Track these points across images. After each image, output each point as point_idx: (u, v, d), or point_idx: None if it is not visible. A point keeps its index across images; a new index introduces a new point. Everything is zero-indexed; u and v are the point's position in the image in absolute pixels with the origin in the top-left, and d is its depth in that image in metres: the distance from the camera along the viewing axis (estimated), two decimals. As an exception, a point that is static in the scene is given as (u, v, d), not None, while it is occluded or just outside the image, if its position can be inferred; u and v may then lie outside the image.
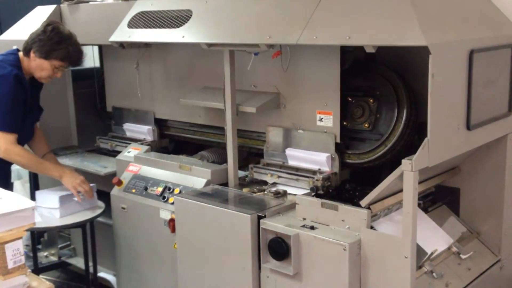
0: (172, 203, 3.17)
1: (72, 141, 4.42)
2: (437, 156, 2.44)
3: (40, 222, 3.30)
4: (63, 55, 3.40)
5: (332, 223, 2.60)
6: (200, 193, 3.08)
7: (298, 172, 3.10)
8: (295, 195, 2.85)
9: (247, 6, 3.00)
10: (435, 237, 2.87)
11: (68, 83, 4.36)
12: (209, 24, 3.10)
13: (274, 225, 2.64)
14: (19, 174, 5.11)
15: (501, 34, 2.87)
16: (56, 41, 3.38)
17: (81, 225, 3.47)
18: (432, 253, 2.73)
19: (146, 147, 3.77)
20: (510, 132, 3.00)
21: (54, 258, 4.36)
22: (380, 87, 3.00)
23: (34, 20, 4.06)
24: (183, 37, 3.14)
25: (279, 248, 2.59)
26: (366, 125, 3.02)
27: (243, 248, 2.73)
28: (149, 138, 4.00)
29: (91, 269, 3.68)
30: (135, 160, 3.64)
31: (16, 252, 1.99)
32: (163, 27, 3.29)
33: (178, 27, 3.20)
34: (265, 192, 3.04)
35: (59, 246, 4.37)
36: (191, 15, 3.20)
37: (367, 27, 2.46)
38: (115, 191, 3.59)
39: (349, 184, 3.11)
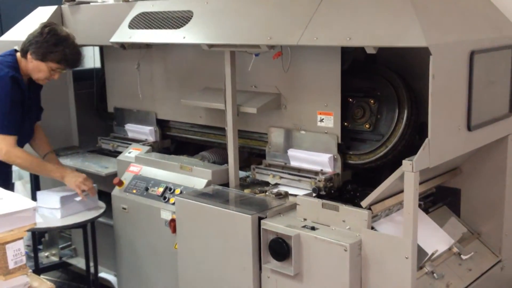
0: (173, 204, 3.17)
1: (73, 142, 4.42)
2: (437, 156, 2.44)
3: (41, 222, 3.31)
4: (59, 57, 3.39)
5: (333, 224, 2.60)
6: (201, 194, 3.08)
7: (300, 173, 3.10)
8: (297, 196, 2.84)
9: (248, 7, 3.00)
10: (435, 238, 2.87)
11: (69, 84, 4.36)
12: (210, 25, 3.10)
13: (274, 225, 2.64)
14: (20, 175, 5.12)
15: (502, 35, 2.87)
16: (52, 43, 3.37)
17: (82, 225, 3.47)
18: (432, 254, 2.73)
19: (147, 148, 3.77)
20: (510, 133, 3.00)
21: (55, 259, 4.36)
22: (381, 87, 3.00)
23: (35, 21, 4.05)
24: (184, 38, 3.14)
25: (280, 249, 2.59)
26: (367, 125, 3.02)
27: (244, 248, 2.74)
28: (151, 138, 4.00)
29: (92, 270, 3.68)
30: (136, 161, 3.64)
31: (17, 252, 1.99)
32: (164, 28, 3.29)
33: (179, 28, 3.21)
34: (267, 193, 3.04)
35: (60, 246, 4.37)
36: (192, 16, 3.20)
37: (367, 28, 2.46)
38: (116, 192, 3.59)
39: (351, 185, 3.10)
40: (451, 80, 2.48)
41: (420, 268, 2.67)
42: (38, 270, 3.76)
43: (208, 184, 3.21)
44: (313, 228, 2.59)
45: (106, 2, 4.03)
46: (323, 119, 3.03)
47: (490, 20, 2.92)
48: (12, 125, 3.34)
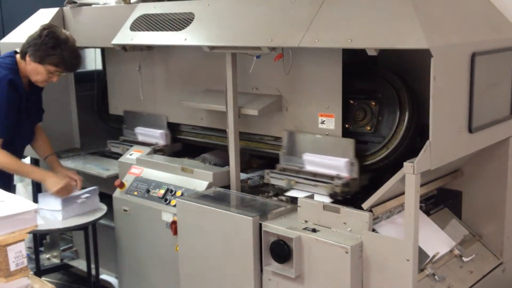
0: (174, 206, 3.17)
1: (75, 144, 4.42)
2: (439, 158, 2.44)
3: (42, 224, 3.31)
4: (57, 60, 3.37)
5: (334, 226, 2.60)
6: (202, 196, 3.08)
7: (316, 178, 3.01)
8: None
9: (249, 9, 3.00)
10: (437, 240, 2.87)
11: (70, 86, 4.37)
12: (211, 27, 3.10)
13: (276, 227, 2.64)
14: (21, 177, 5.11)
15: (503, 37, 2.87)
16: (50, 46, 3.35)
17: (83, 227, 3.47)
18: (434, 256, 2.73)
19: (149, 149, 3.77)
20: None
21: (56, 261, 4.36)
22: (382, 89, 3.00)
23: (37, 23, 4.06)
24: (185, 40, 3.15)
25: (281, 251, 2.59)
26: (368, 127, 3.02)
27: (245, 250, 2.74)
28: (162, 142, 3.93)
29: (93, 272, 3.69)
30: (137, 163, 3.64)
31: (18, 254, 1.99)
32: (165, 30, 3.30)
33: (180, 30, 3.21)
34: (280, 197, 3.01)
35: (61, 248, 4.37)
36: (193, 18, 3.21)
37: (369, 30, 2.46)
38: (117, 194, 3.60)
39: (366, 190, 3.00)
40: (452, 82, 2.48)
41: (421, 270, 2.66)
42: (40, 272, 3.76)
43: (209, 186, 3.21)
44: (314, 230, 2.59)
45: (107, 4, 4.03)
46: (324, 121, 3.03)
47: (491, 22, 2.92)
48: (2, 128, 3.33)
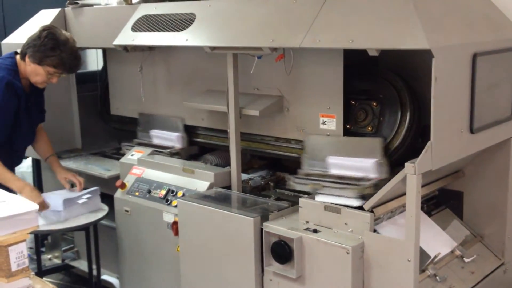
0: (175, 206, 3.18)
1: (76, 144, 4.43)
2: (440, 159, 2.44)
3: (44, 224, 3.31)
4: (56, 62, 3.37)
5: (335, 226, 2.60)
6: (203, 196, 3.08)
7: (343, 181, 2.82)
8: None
9: (251, 10, 3.00)
10: (438, 241, 2.87)
11: (72, 86, 4.37)
12: (212, 27, 3.11)
13: (277, 228, 2.64)
14: (23, 177, 5.11)
15: (505, 37, 2.87)
16: (49, 47, 3.35)
17: (84, 228, 3.47)
18: (435, 257, 2.73)
19: (150, 150, 3.77)
20: (513, 136, 3.00)
21: (57, 261, 4.37)
22: (384, 90, 2.99)
23: (38, 24, 4.06)
24: (187, 40, 3.15)
25: (282, 251, 2.59)
26: (369, 128, 3.02)
27: (246, 251, 2.74)
28: (178, 145, 3.79)
29: (94, 272, 3.69)
30: (139, 163, 3.65)
31: (19, 254, 2.00)
32: (167, 31, 3.30)
33: (182, 30, 3.21)
34: None
35: (63, 248, 4.37)
36: (194, 19, 3.21)
37: (370, 30, 2.46)
38: (118, 194, 3.60)
39: None
40: (453, 82, 2.48)
41: (422, 271, 2.66)
42: (41, 272, 3.76)
43: (210, 186, 3.21)
44: (315, 231, 2.59)
45: (109, 5, 4.04)
46: (325, 121, 3.03)
47: (493, 22, 2.92)
48: None
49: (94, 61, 4.63)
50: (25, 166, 5.12)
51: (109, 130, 4.55)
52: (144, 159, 3.64)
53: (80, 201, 3.47)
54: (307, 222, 2.69)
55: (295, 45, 2.67)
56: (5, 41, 4.36)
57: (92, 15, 3.99)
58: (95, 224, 3.51)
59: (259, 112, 3.15)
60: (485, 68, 2.62)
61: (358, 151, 2.86)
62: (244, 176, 3.37)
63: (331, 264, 2.48)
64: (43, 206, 3.33)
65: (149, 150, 3.78)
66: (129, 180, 3.60)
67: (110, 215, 3.60)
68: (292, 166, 3.56)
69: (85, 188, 3.59)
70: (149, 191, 3.43)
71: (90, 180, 3.87)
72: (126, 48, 3.58)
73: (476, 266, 2.95)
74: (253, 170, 3.59)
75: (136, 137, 4.09)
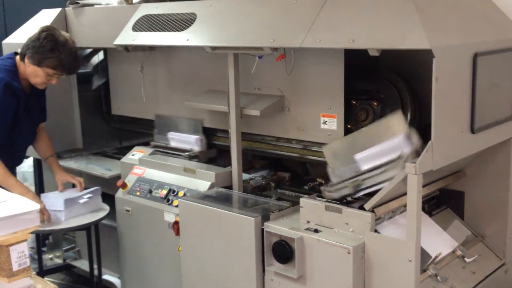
0: (177, 206, 3.18)
1: (77, 144, 4.43)
2: (441, 159, 2.43)
3: (45, 224, 3.32)
4: (54, 63, 3.36)
5: (336, 226, 2.60)
6: (204, 196, 3.09)
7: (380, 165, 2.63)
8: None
9: (251, 10, 3.00)
10: (439, 241, 2.87)
11: (73, 86, 4.37)
12: (213, 27, 3.11)
13: (278, 228, 2.64)
14: (24, 177, 5.13)
15: (506, 37, 2.87)
16: (48, 48, 3.34)
17: (85, 227, 3.47)
18: (436, 257, 2.72)
19: (151, 150, 3.77)
20: (514, 135, 3.00)
21: (59, 261, 4.37)
22: (384, 90, 3.00)
23: (39, 23, 4.07)
24: (188, 40, 3.15)
25: (283, 251, 2.59)
26: (370, 128, 3.01)
27: (247, 251, 2.74)
28: (197, 148, 3.67)
29: (95, 272, 3.69)
30: (140, 163, 3.65)
31: (21, 254, 2.00)
32: (168, 30, 3.30)
33: (183, 30, 3.21)
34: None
35: (64, 248, 4.37)
36: (195, 19, 3.21)
37: (370, 30, 2.46)
38: (119, 194, 3.60)
39: None
40: (454, 82, 2.48)
41: (423, 271, 2.66)
42: (42, 272, 3.77)
43: (211, 186, 3.21)
44: (316, 231, 2.59)
45: (110, 5, 4.04)
46: (326, 121, 3.03)
47: (493, 22, 2.91)
48: None
49: (95, 61, 4.62)
50: (26, 166, 5.13)
51: (110, 130, 4.55)
52: (145, 159, 3.64)
53: (81, 201, 3.48)
54: (308, 222, 2.69)
55: (296, 45, 2.67)
56: (6, 40, 4.36)
57: (93, 15, 4.00)
58: (96, 224, 3.51)
59: (260, 112, 3.15)
60: (485, 68, 2.62)
61: (381, 136, 2.68)
62: (245, 176, 3.38)
63: (332, 264, 2.48)
64: (43, 213, 3.30)
65: (150, 150, 3.78)
66: (130, 180, 3.60)
67: (111, 215, 3.61)
68: (293, 166, 3.58)
69: (86, 188, 3.60)
70: (150, 191, 3.43)
71: (91, 180, 3.87)
72: (127, 48, 3.58)
73: (477, 266, 2.95)
74: (254, 170, 3.59)
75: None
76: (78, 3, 4.09)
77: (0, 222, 1.94)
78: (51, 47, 3.35)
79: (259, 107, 3.17)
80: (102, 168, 3.97)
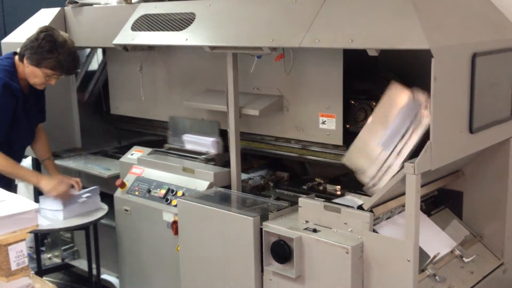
0: (175, 206, 3.18)
1: (76, 144, 4.43)
2: (439, 159, 2.44)
3: (44, 224, 3.32)
4: (53, 64, 3.36)
5: (335, 226, 2.60)
6: (203, 196, 3.09)
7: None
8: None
9: (250, 9, 3.00)
10: (437, 240, 2.87)
11: (72, 85, 4.37)
12: (212, 27, 3.11)
13: (276, 227, 2.64)
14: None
15: (504, 37, 2.87)
16: (47, 49, 3.33)
17: (84, 227, 3.47)
18: (434, 256, 2.73)
19: (150, 150, 3.77)
20: (513, 135, 3.00)
21: (57, 260, 4.37)
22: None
23: (38, 23, 4.07)
24: (186, 40, 3.15)
25: (282, 251, 2.59)
26: (369, 128, 3.01)
27: (246, 250, 2.74)
28: (213, 151, 3.56)
29: (94, 271, 3.69)
30: (138, 163, 3.65)
31: (19, 254, 2.00)
32: (167, 30, 3.30)
33: (182, 30, 3.21)
34: None
35: (63, 248, 4.37)
36: (194, 18, 3.21)
37: (369, 30, 2.46)
38: (118, 193, 3.60)
39: None
40: (453, 82, 2.48)
41: (422, 270, 2.66)
42: (41, 271, 3.76)
43: (210, 186, 3.21)
44: (315, 230, 2.59)
45: (109, 4, 4.04)
46: (325, 121, 3.03)
47: (492, 22, 2.92)
48: None
49: (94, 61, 4.62)
50: (25, 166, 5.11)
51: (109, 129, 4.55)
52: (144, 159, 3.64)
53: (80, 200, 3.47)
54: (306, 221, 2.69)
55: (295, 45, 2.67)
56: (4, 40, 4.36)
57: (92, 14, 3.99)
58: (95, 223, 3.51)
59: (258, 112, 3.15)
60: (484, 68, 2.62)
61: (390, 112, 2.65)
62: (244, 176, 3.37)
63: (331, 263, 2.49)
64: (63, 186, 3.40)
65: (149, 149, 3.77)
66: (129, 180, 3.60)
67: (110, 214, 3.61)
68: (292, 165, 3.58)
69: (84, 188, 3.59)
70: (149, 191, 3.43)
71: (90, 179, 3.87)
72: (126, 48, 3.58)
73: (475, 266, 2.95)
74: (252, 170, 3.59)
75: (167, 142, 3.84)
76: (77, 2, 4.08)
77: (-2, 221, 1.94)
78: (50, 48, 3.34)
79: (258, 107, 3.17)
80: (100, 167, 3.96)
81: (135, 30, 3.48)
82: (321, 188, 3.24)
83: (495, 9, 3.00)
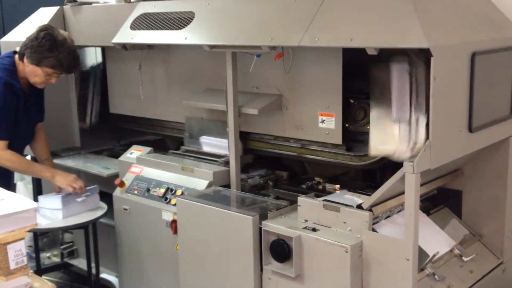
0: (174, 205, 3.18)
1: (75, 143, 4.43)
2: (439, 158, 2.44)
3: (42, 223, 3.31)
4: (53, 63, 3.37)
5: (334, 225, 2.60)
6: (202, 195, 3.08)
7: None
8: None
9: (249, 8, 3.00)
10: (437, 240, 2.87)
11: (71, 84, 4.37)
12: (211, 26, 3.10)
13: (276, 226, 2.64)
14: (22, 176, 5.11)
15: (504, 36, 2.87)
16: (47, 48, 3.34)
17: (83, 226, 3.47)
18: (434, 256, 2.73)
19: (149, 149, 3.77)
20: (512, 135, 3.00)
21: (56, 259, 4.37)
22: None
23: (37, 22, 4.06)
24: (186, 38, 3.15)
25: (281, 250, 2.59)
26: (368, 127, 3.01)
27: (245, 249, 2.74)
28: None
29: (93, 270, 3.69)
30: (138, 162, 3.64)
31: (18, 253, 2.00)
32: (166, 29, 3.30)
33: (181, 28, 3.21)
34: None
35: (62, 247, 4.37)
36: (193, 17, 3.21)
37: (369, 29, 2.46)
38: (117, 192, 3.60)
39: None
40: (452, 81, 2.48)
41: (421, 270, 2.66)
42: (40, 270, 3.77)
43: (209, 185, 3.21)
44: (314, 230, 2.59)
45: (108, 3, 4.03)
46: (324, 120, 3.03)
47: (492, 21, 2.91)
48: (2, 130, 3.35)
49: (93, 60, 4.61)
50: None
51: (108, 129, 4.54)
52: (143, 158, 3.63)
53: (79, 199, 3.47)
54: (306, 220, 2.69)
55: (294, 44, 2.67)
56: (3, 39, 4.36)
57: (91, 13, 3.99)
58: (94, 222, 3.51)
59: (258, 111, 3.15)
60: (483, 67, 2.62)
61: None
62: (243, 175, 3.37)
63: (330, 263, 2.48)
64: (80, 184, 3.48)
65: (148, 148, 3.77)
66: (128, 179, 3.59)
67: (109, 213, 3.61)
68: (291, 164, 3.57)
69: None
70: (148, 190, 3.43)
71: (89, 178, 3.87)
72: (125, 47, 3.57)
73: (474, 265, 2.95)
74: (252, 169, 3.59)
75: (183, 144, 3.76)
76: (76, 1, 4.08)
77: (-3, 220, 1.94)
78: (50, 47, 3.35)
79: (257, 106, 3.17)
80: (100, 166, 3.96)
81: (134, 29, 3.48)
82: (320, 187, 3.24)
83: (495, 8, 3.00)
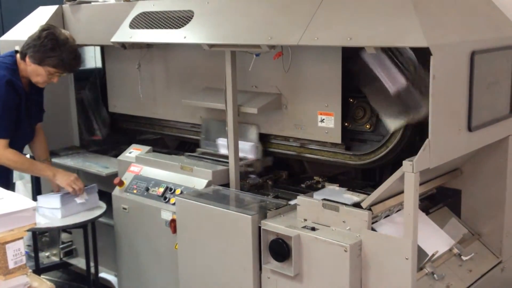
0: (173, 204, 3.17)
1: (74, 142, 4.42)
2: (438, 157, 2.43)
3: (41, 222, 3.31)
4: (56, 62, 3.37)
5: (333, 224, 2.60)
6: (201, 194, 3.08)
7: None
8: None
9: (249, 7, 3.00)
10: (436, 239, 2.87)
11: (70, 84, 4.36)
12: (210, 24, 3.10)
13: (275, 226, 2.64)
14: (20, 175, 5.12)
15: (503, 35, 2.87)
16: (49, 47, 3.35)
17: (82, 225, 3.47)
18: (433, 255, 2.73)
19: (148, 148, 3.76)
20: (511, 134, 3.00)
21: (55, 259, 4.36)
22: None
23: (36, 21, 4.06)
24: (185, 37, 3.14)
25: (280, 249, 2.59)
26: (367, 126, 3.02)
27: (244, 249, 2.73)
28: (251, 156, 3.35)
29: (92, 270, 3.68)
30: (137, 161, 3.64)
31: (17, 252, 1.99)
32: (165, 28, 3.29)
33: (180, 27, 3.21)
34: None
35: (61, 246, 4.37)
36: (192, 16, 3.20)
37: (368, 28, 2.46)
38: (116, 192, 3.60)
39: None
40: (451, 80, 2.47)
41: (420, 269, 2.66)
42: (39, 270, 3.76)
43: (208, 184, 3.21)
44: (313, 229, 2.59)
45: (107, 2, 4.03)
46: (323, 119, 3.03)
47: (491, 20, 2.91)
48: (4, 129, 3.34)
49: (92, 58, 4.61)
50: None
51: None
52: (142, 157, 3.63)
53: (78, 199, 3.47)
54: (305, 220, 2.69)
55: (293, 43, 2.67)
56: (3, 38, 4.35)
57: (90, 12, 3.99)
58: (93, 221, 3.51)
59: (257, 110, 3.15)
60: (483, 66, 2.62)
61: None
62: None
63: (329, 262, 2.48)
64: (80, 184, 3.48)
65: (147, 148, 3.77)
66: (127, 178, 3.59)
67: (108, 212, 3.60)
68: (290, 164, 3.57)
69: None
70: (147, 189, 3.43)
71: (88, 177, 3.86)
72: (124, 45, 3.57)
73: (473, 264, 2.95)
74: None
75: (199, 146, 3.67)
76: (75, 0, 4.08)
77: (-4, 219, 1.93)
78: (52, 46, 3.36)
79: (257, 105, 3.17)
80: (99, 166, 3.96)
81: (133, 28, 3.47)
82: (319, 186, 3.24)
83: (494, 7, 3.00)
